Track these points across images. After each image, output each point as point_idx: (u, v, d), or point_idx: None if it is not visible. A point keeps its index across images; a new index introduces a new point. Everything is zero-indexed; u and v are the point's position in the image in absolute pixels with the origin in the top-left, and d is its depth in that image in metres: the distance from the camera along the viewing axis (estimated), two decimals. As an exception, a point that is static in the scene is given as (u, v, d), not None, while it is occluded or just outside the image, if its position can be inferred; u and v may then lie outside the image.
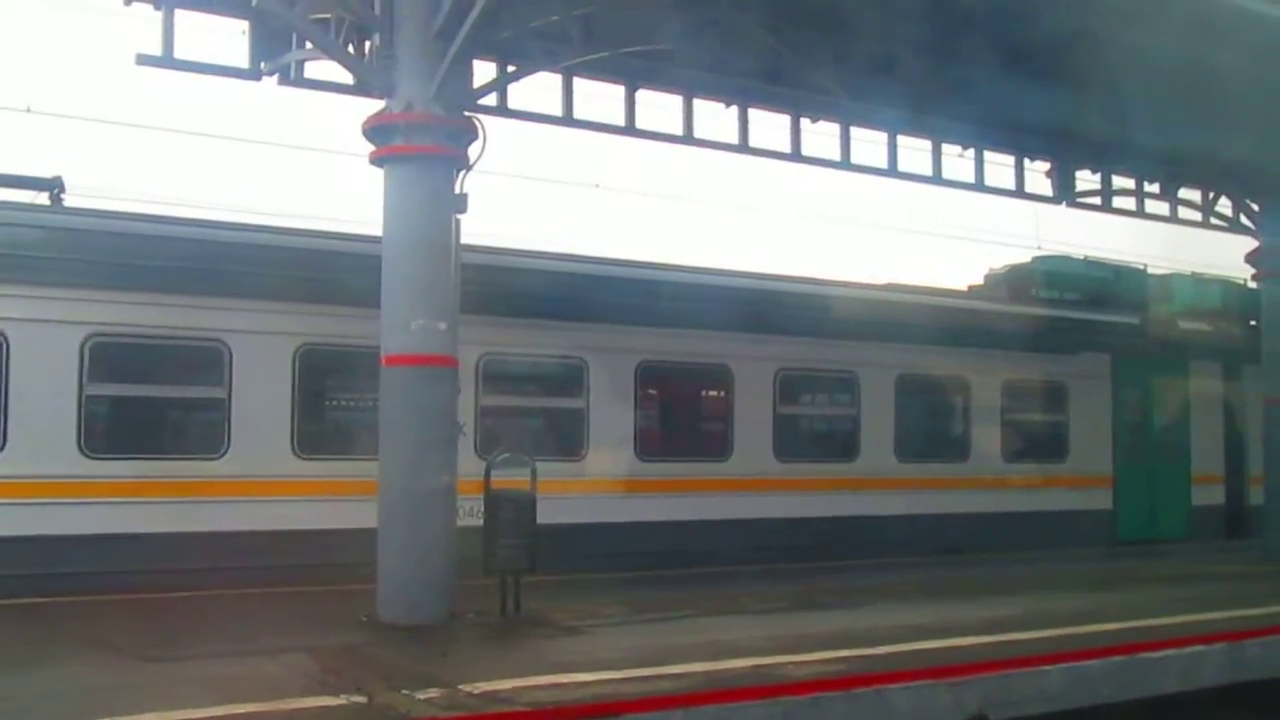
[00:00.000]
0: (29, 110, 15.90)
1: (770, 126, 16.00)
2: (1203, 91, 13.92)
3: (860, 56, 14.06)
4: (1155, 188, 19.24)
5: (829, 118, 16.18)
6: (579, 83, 14.38)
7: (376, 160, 11.11)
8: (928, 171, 17.30)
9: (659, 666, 8.61)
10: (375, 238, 11.29)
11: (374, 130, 11.10)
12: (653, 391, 16.13)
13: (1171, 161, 18.12)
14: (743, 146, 15.71)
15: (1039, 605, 12.36)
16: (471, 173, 11.25)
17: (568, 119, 14.41)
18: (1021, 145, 17.96)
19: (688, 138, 15.29)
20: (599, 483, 14.97)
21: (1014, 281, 20.51)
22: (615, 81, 14.69)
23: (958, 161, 17.60)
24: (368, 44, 12.07)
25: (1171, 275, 22.36)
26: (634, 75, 14.58)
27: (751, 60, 14.38)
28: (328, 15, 11.97)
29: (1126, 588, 14.32)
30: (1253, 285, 19.20)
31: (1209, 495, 20.73)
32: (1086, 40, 13.36)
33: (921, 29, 13.27)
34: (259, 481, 12.94)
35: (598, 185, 22.04)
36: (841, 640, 9.73)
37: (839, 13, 13.03)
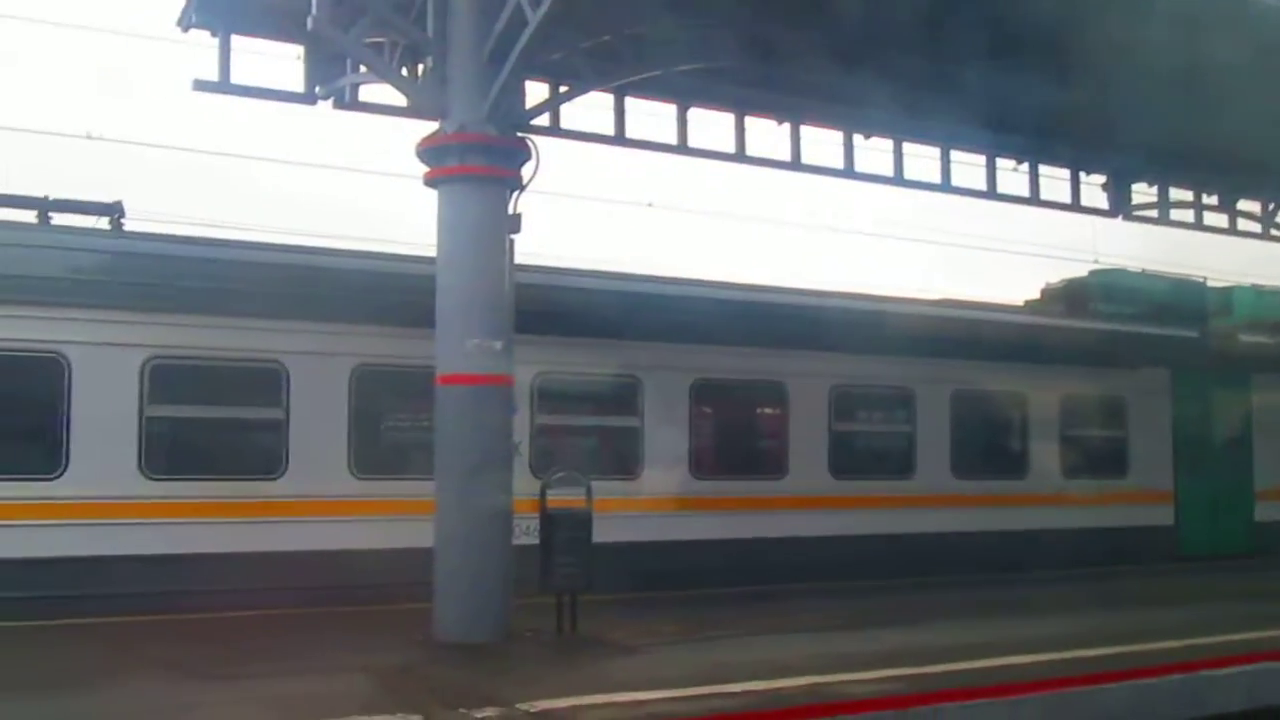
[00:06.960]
0: (89, 136, 16.07)
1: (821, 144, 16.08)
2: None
3: (919, 76, 13.90)
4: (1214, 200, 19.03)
5: (883, 134, 16.19)
6: (631, 101, 14.47)
7: (430, 182, 11.18)
8: (981, 186, 17.27)
9: (718, 685, 8.59)
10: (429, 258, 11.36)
11: (428, 152, 11.18)
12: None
13: (1227, 171, 17.86)
14: (795, 164, 15.74)
15: (1099, 624, 12.19)
16: (525, 192, 11.27)
17: (620, 138, 14.50)
18: (1078, 159, 17.84)
19: (740, 155, 15.32)
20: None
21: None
22: (667, 100, 14.77)
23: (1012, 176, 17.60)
24: (420, 67, 12.20)
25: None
26: (685, 93, 14.63)
27: (803, 76, 14.34)
28: (382, 39, 12.09)
29: (1191, 605, 14.02)
30: None
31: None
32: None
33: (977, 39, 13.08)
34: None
35: (650, 204, 21.94)
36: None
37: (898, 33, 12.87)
